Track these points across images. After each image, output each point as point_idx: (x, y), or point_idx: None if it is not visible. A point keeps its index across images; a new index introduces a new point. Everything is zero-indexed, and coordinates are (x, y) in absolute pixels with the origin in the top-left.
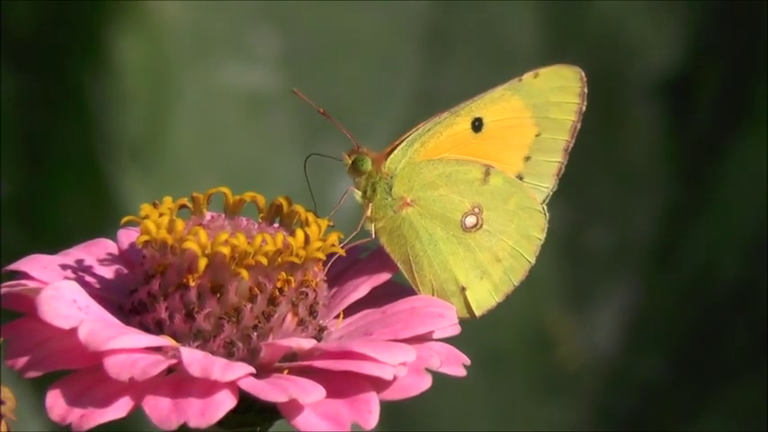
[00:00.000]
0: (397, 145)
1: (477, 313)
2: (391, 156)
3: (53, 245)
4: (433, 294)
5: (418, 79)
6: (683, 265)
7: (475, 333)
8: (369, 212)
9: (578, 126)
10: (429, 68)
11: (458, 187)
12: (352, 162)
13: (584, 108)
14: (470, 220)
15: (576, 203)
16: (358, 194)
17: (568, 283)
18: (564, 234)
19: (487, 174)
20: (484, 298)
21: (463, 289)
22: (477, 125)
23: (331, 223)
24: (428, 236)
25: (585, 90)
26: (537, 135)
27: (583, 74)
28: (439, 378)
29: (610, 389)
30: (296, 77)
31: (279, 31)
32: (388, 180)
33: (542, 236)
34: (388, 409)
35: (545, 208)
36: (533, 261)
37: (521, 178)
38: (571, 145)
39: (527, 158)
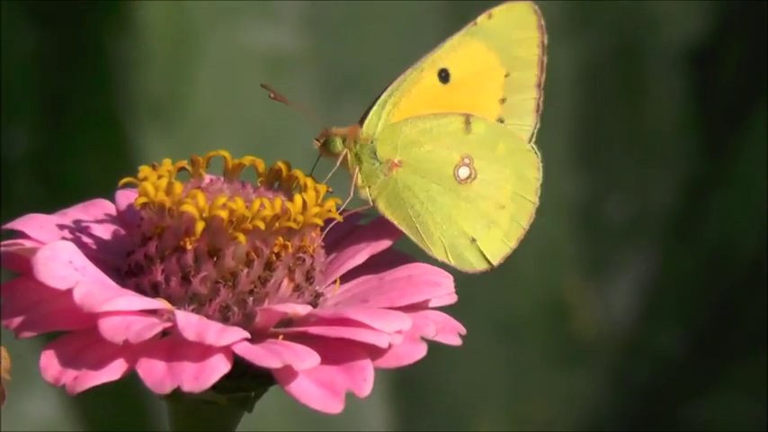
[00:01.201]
0: (369, 110)
1: (495, 262)
2: (365, 121)
3: (71, 202)
4: (445, 251)
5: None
6: (701, 237)
7: (492, 301)
8: (359, 181)
9: (545, 59)
10: (453, 32)
11: (442, 141)
12: (322, 144)
13: (545, 40)
14: (463, 172)
15: (595, 173)
16: (351, 167)
17: (586, 252)
18: (583, 203)
19: (468, 123)
20: (497, 246)
21: (474, 240)
22: (444, 76)
23: (330, 189)
24: (425, 193)
25: (542, 22)
26: (506, 75)
27: (536, 6)
28: (453, 348)
29: (625, 359)
30: (318, 40)
31: None
32: (369, 145)
33: (539, 175)
34: (401, 377)
35: (534, 147)
36: (537, 201)
37: (501, 121)
38: (542, 79)
39: (502, 100)
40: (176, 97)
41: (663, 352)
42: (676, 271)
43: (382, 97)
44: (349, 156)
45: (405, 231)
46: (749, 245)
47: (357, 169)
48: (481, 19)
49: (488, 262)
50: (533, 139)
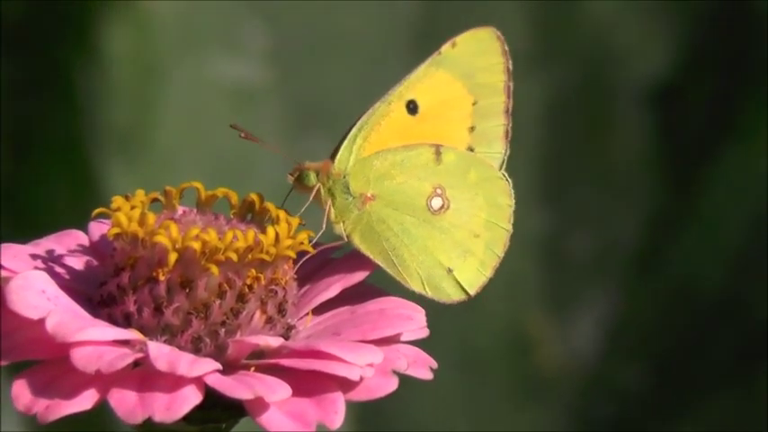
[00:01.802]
0: (339, 146)
1: (471, 292)
2: (337, 156)
3: (36, 231)
4: (422, 283)
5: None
6: (665, 273)
7: (455, 334)
8: (332, 215)
9: (511, 85)
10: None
11: (414, 172)
12: (296, 178)
13: (510, 66)
14: (436, 202)
15: (560, 208)
16: (322, 200)
17: (550, 287)
18: (547, 238)
19: (438, 153)
20: (473, 275)
21: (450, 271)
22: (413, 108)
23: (302, 221)
24: (399, 225)
25: (506, 47)
26: (474, 104)
27: (499, 33)
28: (417, 380)
29: (588, 394)
30: (284, 72)
31: (268, 26)
32: (342, 180)
33: (512, 201)
34: (365, 410)
35: (505, 174)
36: (510, 228)
37: (471, 149)
38: (510, 105)
39: (471, 129)
40: (142, 128)
41: (625, 387)
42: (639, 307)
43: (352, 132)
44: (322, 191)
45: (381, 265)
46: (712, 281)
47: (330, 204)
48: (445, 48)
49: (465, 292)
50: (504, 166)
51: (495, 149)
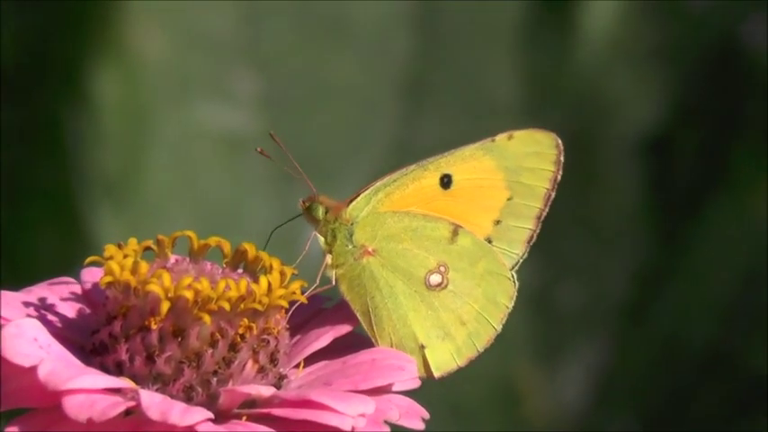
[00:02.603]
0: (361, 193)
1: (436, 374)
2: (353, 203)
3: (23, 277)
4: (391, 347)
5: (396, 128)
6: (654, 325)
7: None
8: (328, 261)
9: (552, 195)
10: (407, 118)
11: (423, 243)
12: (306, 209)
13: (559, 177)
14: (435, 279)
15: (549, 259)
16: (321, 240)
17: (538, 338)
18: (536, 289)
19: (455, 233)
20: (444, 359)
21: (422, 347)
22: (446, 182)
23: (295, 271)
24: (388, 288)
25: (562, 158)
26: (509, 199)
27: (559, 141)
28: (400, 428)
29: None
30: (274, 121)
31: (258, 74)
32: (348, 227)
33: (510, 303)
34: None
35: (514, 275)
36: (499, 329)
37: (489, 241)
38: (544, 213)
39: (497, 222)
40: (130, 174)
41: None
42: (628, 358)
43: (377, 184)
44: (324, 229)
45: (357, 316)
46: (702, 333)
47: (329, 255)
48: (500, 137)
49: (430, 373)
50: (516, 268)
51: (514, 250)
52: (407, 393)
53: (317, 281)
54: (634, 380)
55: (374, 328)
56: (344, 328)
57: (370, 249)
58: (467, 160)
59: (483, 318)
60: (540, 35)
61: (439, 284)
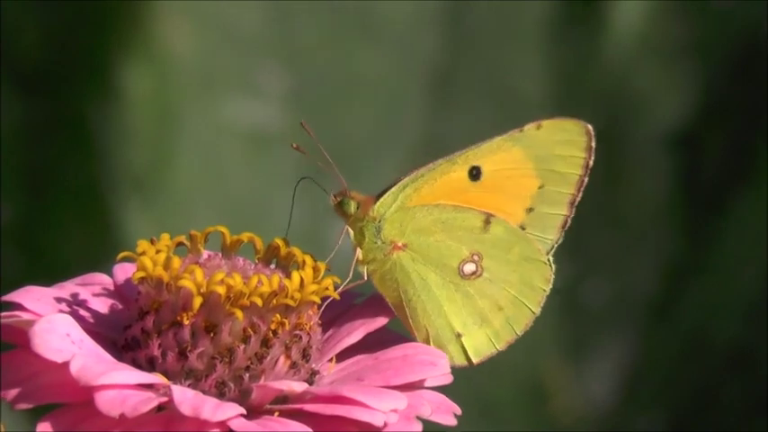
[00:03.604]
0: (389, 189)
1: (475, 360)
2: (381, 199)
3: (52, 274)
4: (427, 339)
5: (424, 123)
6: (681, 321)
7: (471, 383)
8: (358, 255)
9: (585, 180)
10: (435, 113)
11: (455, 234)
12: (337, 203)
13: (591, 162)
14: (469, 268)
15: (576, 256)
16: (352, 234)
17: (566, 335)
18: (563, 286)
19: (488, 222)
20: (483, 344)
21: (459, 336)
22: (475, 174)
23: (328, 267)
24: (421, 281)
25: (593, 144)
26: (540, 187)
27: (589, 127)
28: (433, 426)
29: None
30: (301, 116)
31: (286, 70)
32: (376, 224)
33: (548, 287)
34: None
35: (550, 259)
36: (538, 311)
37: (523, 229)
38: (578, 198)
39: (529, 210)
40: (158, 170)
41: None
42: (655, 354)
43: (404, 180)
44: (353, 225)
45: (390, 309)
46: (729, 328)
47: (359, 249)
48: (528, 127)
49: (469, 360)
50: (551, 252)
51: (548, 236)
52: (439, 389)
53: (350, 275)
54: (660, 376)
55: (410, 320)
56: (376, 324)
57: (399, 244)
58: (495, 152)
59: (520, 302)
60: (569, 31)
61: (473, 273)
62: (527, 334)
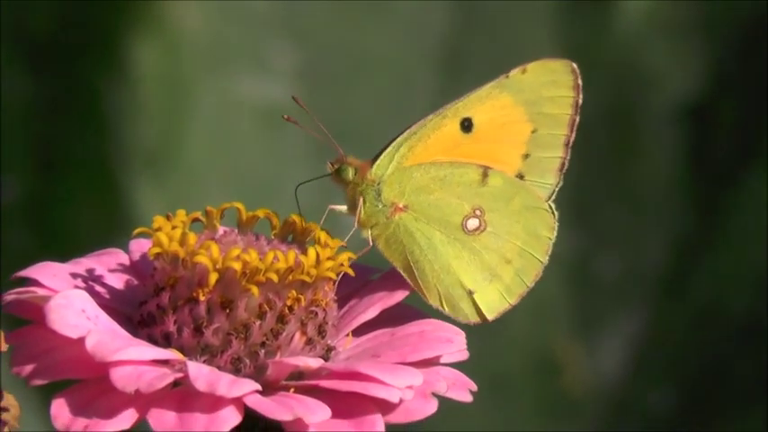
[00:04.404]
0: (383, 150)
1: (490, 317)
2: (377, 162)
3: (63, 250)
4: (440, 299)
5: (434, 98)
6: (692, 295)
7: (482, 357)
8: (357, 222)
9: (577, 119)
10: (445, 88)
11: (454, 190)
12: (336, 170)
13: (580, 100)
14: (472, 223)
15: (587, 230)
16: (342, 209)
17: (576, 309)
18: (574, 260)
19: (485, 175)
20: (495, 300)
21: (471, 293)
22: (467, 125)
23: (343, 243)
24: (426, 240)
25: (579, 82)
26: (533, 131)
27: (574, 66)
28: (445, 402)
29: (615, 416)
30: (312, 92)
31: (296, 46)
32: (375, 187)
33: (552, 234)
34: (392, 429)
35: (552, 206)
36: (545, 260)
37: (521, 177)
38: (572, 139)
39: (525, 156)
40: (169, 146)
41: (652, 409)
42: (666, 328)
43: (398, 140)
44: (352, 190)
45: (400, 272)
46: (740, 303)
47: (361, 206)
48: (514, 72)
49: (483, 316)
50: (552, 198)
51: (548, 180)
52: (453, 365)
53: (346, 240)
54: (671, 350)
55: (419, 282)
56: (392, 300)
57: (400, 205)
58: (484, 101)
59: (527, 253)
60: (579, 7)
61: (477, 228)
62: (538, 307)
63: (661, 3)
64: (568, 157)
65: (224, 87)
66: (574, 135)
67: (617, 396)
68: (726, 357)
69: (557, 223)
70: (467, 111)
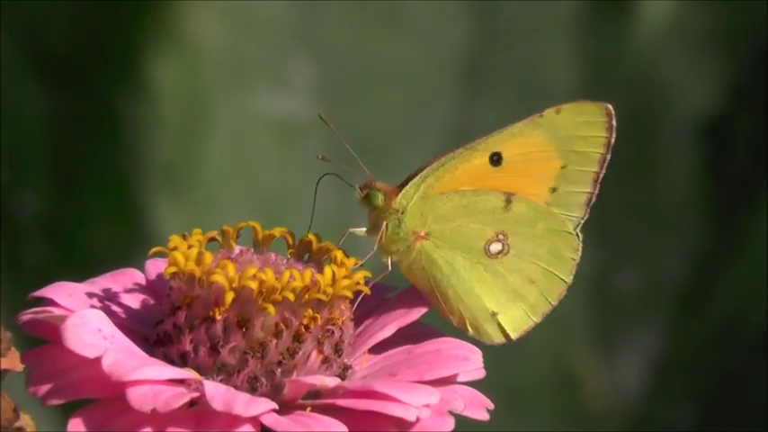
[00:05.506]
0: (410, 179)
1: (514, 336)
2: (403, 191)
3: (81, 267)
4: (464, 322)
5: (453, 113)
6: (711, 310)
7: (501, 371)
8: (383, 240)
9: (608, 157)
10: (464, 102)
11: (477, 217)
12: (365, 196)
13: (612, 141)
14: (495, 247)
15: (606, 245)
16: (360, 231)
17: (596, 323)
18: (593, 275)
19: (509, 201)
20: (519, 318)
21: (495, 314)
22: (496, 159)
23: (359, 262)
24: (448, 266)
25: (614, 123)
26: (563, 167)
27: (610, 108)
28: (462, 419)
29: (634, 431)
30: (330, 107)
31: (314, 60)
32: (397, 215)
33: (576, 256)
34: None
35: (578, 232)
36: (570, 280)
37: None
38: (601, 175)
39: (553, 189)
40: (188, 162)
41: (672, 425)
42: (686, 343)
43: (425, 170)
44: (378, 216)
45: (424, 294)
46: (759, 318)
47: (383, 231)
48: (548, 112)
49: (507, 336)
50: (578, 228)
51: (574, 213)
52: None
53: (362, 262)
54: (690, 365)
55: (443, 306)
56: (409, 318)
57: (422, 234)
58: (516, 137)
59: (551, 273)
60: (598, 20)
61: (500, 251)
62: (557, 322)
63: (680, 16)
64: (597, 192)
65: (242, 103)
66: (603, 172)
67: (636, 411)
68: (745, 373)
69: (581, 245)
70: (497, 146)
